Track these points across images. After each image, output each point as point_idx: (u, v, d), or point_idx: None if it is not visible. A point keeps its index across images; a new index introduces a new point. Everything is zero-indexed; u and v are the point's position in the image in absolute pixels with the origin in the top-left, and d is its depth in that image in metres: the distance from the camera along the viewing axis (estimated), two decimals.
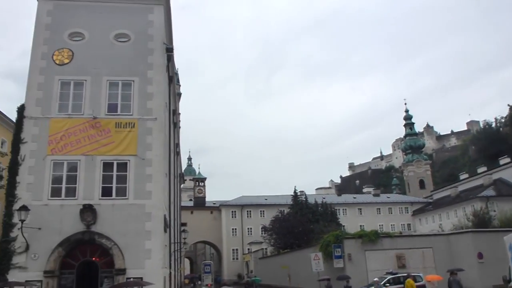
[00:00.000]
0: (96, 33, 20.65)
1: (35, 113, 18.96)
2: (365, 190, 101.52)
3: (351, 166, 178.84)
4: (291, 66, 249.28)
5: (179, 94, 39.50)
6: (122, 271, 17.50)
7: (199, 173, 75.68)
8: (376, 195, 77.46)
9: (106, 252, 17.88)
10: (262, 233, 55.98)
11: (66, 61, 19.99)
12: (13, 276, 16.91)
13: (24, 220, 16.71)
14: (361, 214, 68.93)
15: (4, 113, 34.67)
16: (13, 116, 24.12)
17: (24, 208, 16.78)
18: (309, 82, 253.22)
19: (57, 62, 19.92)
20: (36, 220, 17.39)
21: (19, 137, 18.68)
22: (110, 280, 17.83)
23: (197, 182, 68.67)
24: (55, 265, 17.36)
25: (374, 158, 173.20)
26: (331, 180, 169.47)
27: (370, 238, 27.72)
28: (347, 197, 74.76)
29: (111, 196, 18.35)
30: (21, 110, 19.08)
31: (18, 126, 18.98)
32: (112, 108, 19.53)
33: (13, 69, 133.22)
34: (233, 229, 64.93)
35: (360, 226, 57.64)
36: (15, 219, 17.21)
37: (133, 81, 20.05)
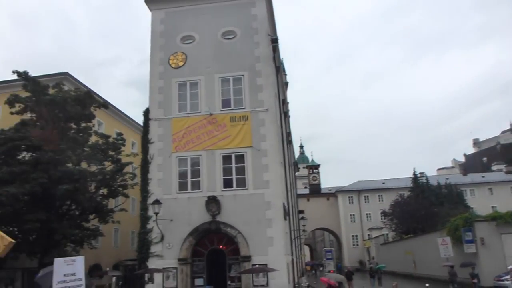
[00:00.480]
0: (205, 33, 21.72)
1: (159, 115, 20.66)
2: (494, 167, 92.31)
3: (476, 143, 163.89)
4: (398, 40, 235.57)
5: (286, 83, 39.83)
6: (248, 258, 18.32)
7: (312, 160, 75.81)
8: (509, 172, 70.01)
9: (231, 240, 18.87)
10: (381, 218, 54.27)
11: (180, 64, 21.37)
12: (152, 263, 18.77)
13: (158, 213, 18.40)
14: (492, 194, 62.96)
15: (132, 117, 38.58)
16: (138, 119, 26.63)
17: (156, 202, 18.47)
18: (419, 55, 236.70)
19: (173, 65, 21.40)
20: (168, 212, 19.01)
21: (147, 138, 20.55)
22: (237, 267, 18.80)
23: (311, 170, 68.84)
24: (187, 253, 18.82)
25: (503, 132, 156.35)
26: (454, 159, 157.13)
27: (507, 220, 25.12)
28: (474, 177, 68.74)
29: (232, 187, 19.30)
30: (146, 113, 20.96)
31: (145, 128, 20.87)
32: (226, 104, 20.45)
33: (134, 77, 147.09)
34: (351, 215, 63.92)
35: (492, 207, 52.67)
36: (150, 212, 19.02)
37: (243, 75, 20.71)
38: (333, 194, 66.02)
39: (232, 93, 20.59)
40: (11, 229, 20.74)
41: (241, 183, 19.32)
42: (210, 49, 21.38)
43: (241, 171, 19.46)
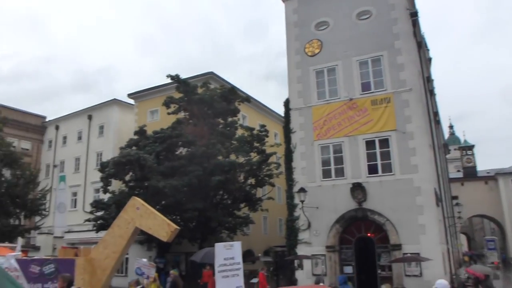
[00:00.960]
0: (339, 17, 21.25)
1: (298, 104, 20.94)
2: None
3: None
4: None
5: (430, 59, 36.80)
6: (398, 247, 17.56)
7: (465, 141, 69.01)
8: None
9: (379, 227, 18.27)
10: None
11: (316, 51, 21.29)
12: (301, 250, 19.21)
13: (304, 201, 18.73)
14: None
15: (273, 109, 39.89)
16: (279, 110, 27.34)
17: (302, 190, 18.82)
18: None
19: (309, 54, 21.42)
20: (313, 200, 19.21)
21: (288, 127, 21.03)
22: (386, 255, 18.14)
23: (463, 151, 62.78)
24: (335, 240, 18.81)
25: None
26: None
27: None
28: None
29: (377, 173, 18.66)
30: (286, 103, 21.45)
31: (286, 118, 21.38)
32: (365, 87, 19.78)
33: (272, 71, 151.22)
34: None
35: None
36: (296, 200, 19.46)
37: (382, 55, 19.77)
38: (492, 177, 59.27)
39: (371, 75, 19.83)
40: (174, 217, 23.13)
41: (387, 168, 18.54)
42: (345, 33, 20.84)
43: (386, 156, 18.67)
